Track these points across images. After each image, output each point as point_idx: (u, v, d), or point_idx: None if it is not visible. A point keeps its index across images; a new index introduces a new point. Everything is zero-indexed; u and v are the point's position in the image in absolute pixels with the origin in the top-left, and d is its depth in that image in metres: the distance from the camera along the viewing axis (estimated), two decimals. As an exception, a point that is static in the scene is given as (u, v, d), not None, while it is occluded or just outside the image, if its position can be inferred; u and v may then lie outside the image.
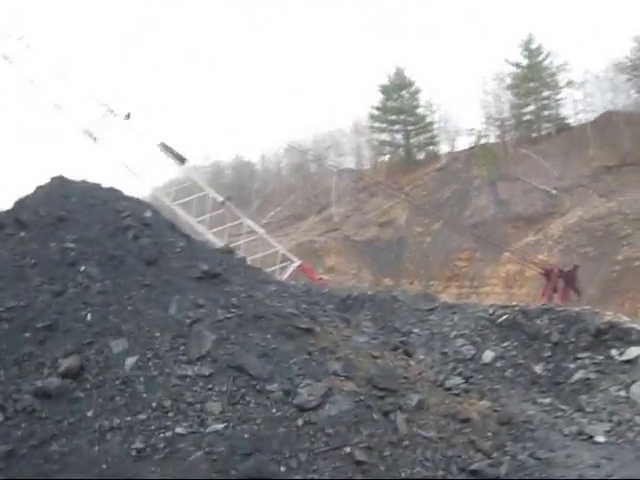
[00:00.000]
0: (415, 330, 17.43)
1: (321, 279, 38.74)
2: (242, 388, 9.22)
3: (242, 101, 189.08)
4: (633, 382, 12.86)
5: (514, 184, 61.62)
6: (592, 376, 13.41)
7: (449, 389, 12.81)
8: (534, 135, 73.42)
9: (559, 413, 12.39)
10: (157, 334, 9.84)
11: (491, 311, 17.22)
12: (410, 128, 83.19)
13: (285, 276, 36.31)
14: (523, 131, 75.04)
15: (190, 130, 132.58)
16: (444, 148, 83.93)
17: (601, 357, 13.74)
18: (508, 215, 59.52)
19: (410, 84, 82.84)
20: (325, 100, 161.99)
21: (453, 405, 10.78)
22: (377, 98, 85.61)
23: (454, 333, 16.64)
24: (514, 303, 20.62)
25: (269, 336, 10.41)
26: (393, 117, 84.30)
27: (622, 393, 12.67)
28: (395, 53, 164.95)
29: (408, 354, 12.91)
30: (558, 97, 75.15)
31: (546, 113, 74.68)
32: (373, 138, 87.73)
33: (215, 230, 36.76)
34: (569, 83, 73.55)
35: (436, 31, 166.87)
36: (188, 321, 10.17)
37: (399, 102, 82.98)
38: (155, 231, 12.03)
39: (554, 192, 57.73)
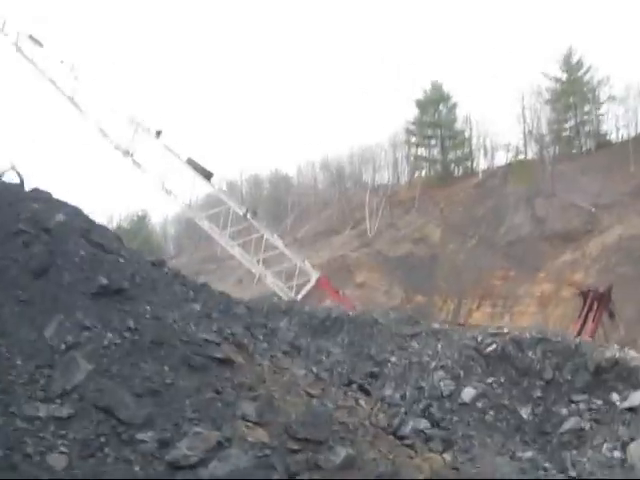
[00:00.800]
0: (392, 359, 15.82)
1: (341, 295, 37.51)
2: (102, 436, 7.13)
3: (279, 114, 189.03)
4: (632, 440, 11.18)
5: (551, 201, 59.87)
6: (586, 426, 11.98)
7: (403, 437, 9.77)
8: (573, 151, 71.57)
9: (539, 473, 10.64)
10: (18, 362, 7.77)
11: (480, 339, 15.51)
12: (447, 143, 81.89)
13: (302, 294, 35.57)
14: (562, 147, 73.19)
15: (224, 144, 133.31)
16: (481, 164, 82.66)
17: (599, 402, 12.28)
18: (545, 233, 57.79)
19: (447, 98, 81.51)
20: (363, 113, 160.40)
21: (400, 461, 8.32)
22: (413, 113, 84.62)
23: (434, 364, 15.01)
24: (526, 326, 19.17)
25: (166, 368, 8.34)
26: (429, 132, 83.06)
27: (617, 454, 11.08)
28: (432, 66, 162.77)
29: (364, 390, 11.07)
30: (599, 112, 73.22)
31: (586, 129, 72.77)
32: (410, 153, 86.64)
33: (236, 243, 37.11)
34: (610, 98, 71.68)
35: (474, 44, 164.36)
36: (63, 346, 8.12)
37: (436, 116, 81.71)
38: (56, 238, 9.71)
39: (592, 209, 55.86)
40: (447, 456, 9.69)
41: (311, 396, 9.13)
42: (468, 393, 13.52)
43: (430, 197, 76.18)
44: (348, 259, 67.06)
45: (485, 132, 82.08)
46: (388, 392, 14.08)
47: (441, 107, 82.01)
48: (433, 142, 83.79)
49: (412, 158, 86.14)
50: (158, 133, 35.61)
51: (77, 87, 34.73)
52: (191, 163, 35.89)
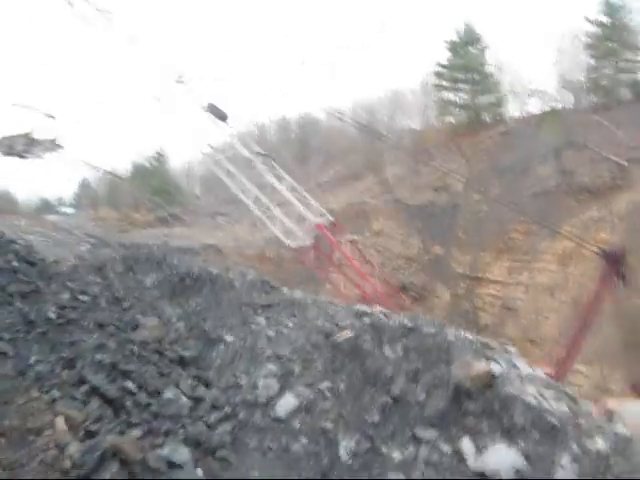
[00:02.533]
0: (228, 338, 12.55)
1: (342, 246, 35.31)
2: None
3: (310, 57, 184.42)
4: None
5: (582, 153, 56.47)
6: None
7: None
8: (609, 101, 67.50)
9: None
10: None
11: (339, 319, 11.76)
12: (476, 87, 78.01)
13: (299, 237, 33.91)
14: (599, 96, 69.08)
15: (256, 88, 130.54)
16: (512, 111, 78.97)
17: (447, 448, 8.19)
18: (572, 186, 54.65)
19: (478, 39, 77.32)
20: (394, 57, 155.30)
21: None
22: (445, 56, 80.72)
23: (270, 351, 11.49)
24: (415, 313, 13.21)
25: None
26: (460, 75, 79.13)
27: None
28: (465, 8, 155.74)
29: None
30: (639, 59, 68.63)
31: (625, 77, 68.36)
32: (438, 98, 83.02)
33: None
34: (654, 45, 67.19)
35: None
36: None
37: (466, 59, 77.63)
38: None
39: (625, 163, 52.51)
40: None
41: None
42: (286, 404, 9.81)
43: (456, 144, 73.06)
44: (366, 206, 64.68)
45: (518, 78, 78.31)
46: (201, 391, 10.82)
47: (472, 50, 77.82)
48: (463, 86, 79.90)
49: (441, 103, 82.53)
50: (180, 79, 34.51)
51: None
52: (211, 108, 34.71)
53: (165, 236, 56.53)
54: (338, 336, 10.83)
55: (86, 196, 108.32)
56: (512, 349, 10.12)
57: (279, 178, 35.63)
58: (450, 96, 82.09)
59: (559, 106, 71.79)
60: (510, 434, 8.02)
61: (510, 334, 51.96)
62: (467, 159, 69.13)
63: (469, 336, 10.35)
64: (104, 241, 37.12)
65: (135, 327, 12.91)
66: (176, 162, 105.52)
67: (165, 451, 8.56)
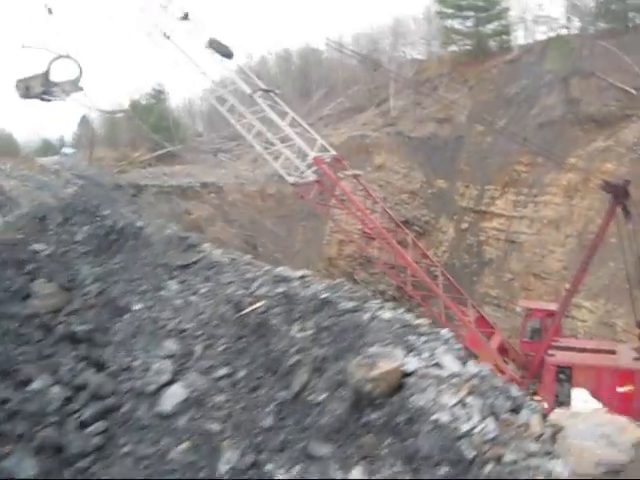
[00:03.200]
0: (136, 306, 11.03)
1: (340, 183, 34.38)
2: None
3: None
4: None
5: (588, 81, 54.71)
6: None
7: None
8: (618, 26, 65.08)
9: None
10: None
11: (256, 286, 10.18)
12: (481, 15, 75.33)
13: (298, 178, 33.43)
14: (607, 21, 66.58)
15: (256, 20, 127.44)
16: (519, 39, 76.48)
17: (338, 474, 6.45)
18: (578, 116, 53.12)
19: (482, -37, 74.28)
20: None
21: None
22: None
23: (172, 326, 10.02)
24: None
25: None
26: (463, 2, 76.34)
27: None
28: None
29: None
30: (650, -19, 65.76)
31: (635, 0, 65.65)
32: (442, 26, 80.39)
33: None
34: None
35: None
36: None
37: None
38: None
39: (633, 92, 50.85)
40: None
41: None
42: (173, 395, 8.11)
43: (460, 74, 71.08)
44: (367, 139, 63.28)
45: (525, 4, 75.68)
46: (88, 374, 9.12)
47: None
48: (467, 14, 77.14)
49: (444, 31, 79.93)
50: (185, 16, 34.20)
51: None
52: (213, 43, 34.24)
53: (165, 175, 55.64)
54: (248, 309, 9.36)
55: (85, 136, 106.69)
56: (447, 334, 8.15)
57: (281, 113, 35.13)
58: (454, 24, 79.43)
59: (566, 32, 69.42)
60: (413, 463, 6.13)
61: (514, 268, 51.43)
62: (471, 89, 67.32)
63: (392, 314, 8.59)
64: (96, 182, 36.30)
65: (26, 296, 11.26)
66: (177, 99, 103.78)
67: (9, 463, 7.04)
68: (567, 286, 32.55)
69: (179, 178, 55.11)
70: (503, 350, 33.77)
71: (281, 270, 11.39)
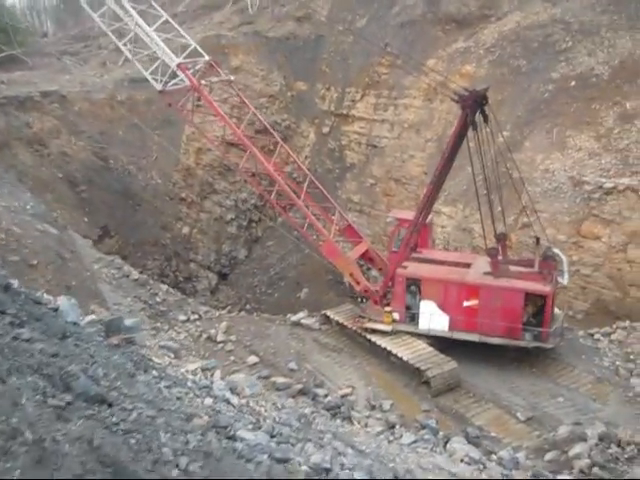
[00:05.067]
0: None
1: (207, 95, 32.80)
2: None
3: None
4: None
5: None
6: None
7: None
8: None
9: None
10: None
11: None
12: None
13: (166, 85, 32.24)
14: None
15: None
16: None
17: None
18: (438, 15, 51.88)
19: None
20: None
21: None
22: None
23: None
24: None
25: None
26: None
27: None
28: None
29: None
30: None
31: None
32: None
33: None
34: None
35: None
36: None
37: None
38: None
39: (492, -10, 50.03)
40: None
41: None
42: None
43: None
44: (223, 39, 59.53)
45: None
46: None
47: None
48: None
49: None
50: None
51: None
52: None
53: (2, 83, 50.11)
54: None
55: None
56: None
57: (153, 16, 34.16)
58: None
59: None
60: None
61: (376, 173, 50.82)
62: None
63: None
64: None
65: None
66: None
67: None
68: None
69: (18, 87, 49.83)
70: (370, 259, 33.40)
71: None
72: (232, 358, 29.11)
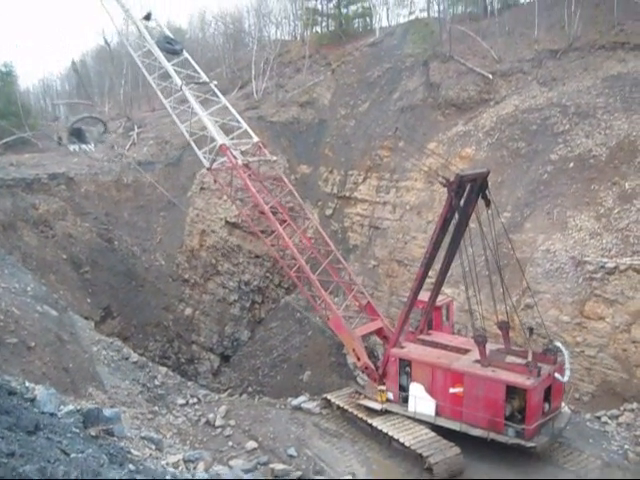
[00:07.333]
0: None
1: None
2: None
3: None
4: None
5: (447, 65, 54.86)
6: None
7: None
8: (477, 11, 65.85)
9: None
10: None
11: None
12: (344, -4, 74.60)
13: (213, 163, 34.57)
14: (467, 6, 67.27)
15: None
16: (383, 20, 76.35)
17: None
18: (438, 100, 53.04)
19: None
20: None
21: None
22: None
23: None
24: None
25: None
26: (325, -18, 75.29)
27: None
28: None
29: None
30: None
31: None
32: (303, 6, 79.04)
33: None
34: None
35: None
36: None
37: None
38: None
39: (490, 76, 51.21)
40: None
41: None
42: None
43: (322, 56, 69.97)
44: (227, 125, 60.63)
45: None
46: None
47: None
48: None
49: (307, 12, 78.61)
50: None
51: None
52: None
53: (12, 165, 50.91)
54: None
55: None
56: None
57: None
58: (317, 5, 78.35)
59: (426, 16, 69.71)
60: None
61: (378, 255, 50.86)
62: (334, 72, 66.35)
63: None
64: None
65: None
66: (29, 80, 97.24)
67: None
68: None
69: (26, 169, 50.60)
70: (384, 337, 33.05)
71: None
72: (230, 443, 28.40)
